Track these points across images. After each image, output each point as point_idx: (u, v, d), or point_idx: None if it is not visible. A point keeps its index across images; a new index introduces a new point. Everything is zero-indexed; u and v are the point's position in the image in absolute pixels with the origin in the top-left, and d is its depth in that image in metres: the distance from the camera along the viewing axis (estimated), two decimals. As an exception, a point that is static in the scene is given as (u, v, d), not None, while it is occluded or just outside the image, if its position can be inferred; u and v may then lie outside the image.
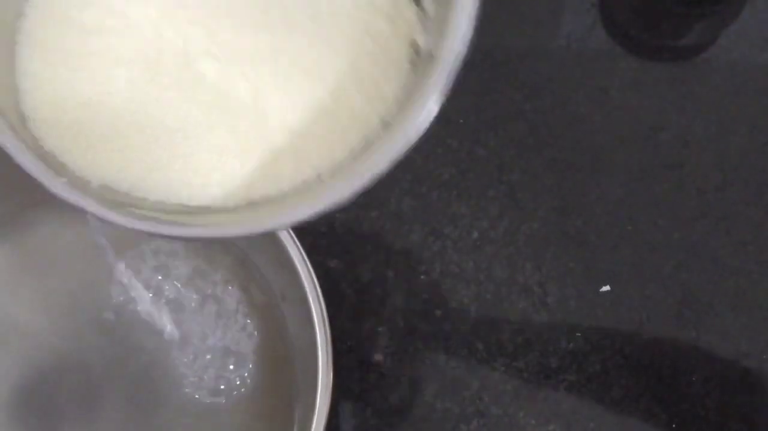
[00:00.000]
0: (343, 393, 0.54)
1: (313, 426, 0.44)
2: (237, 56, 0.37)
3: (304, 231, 0.57)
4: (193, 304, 0.53)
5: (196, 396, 0.51)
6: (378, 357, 0.55)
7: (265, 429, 0.50)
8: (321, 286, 0.47)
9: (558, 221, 0.58)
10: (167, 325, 0.52)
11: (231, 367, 0.51)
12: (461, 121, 0.62)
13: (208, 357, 0.51)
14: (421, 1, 0.37)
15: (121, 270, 0.51)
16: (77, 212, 0.37)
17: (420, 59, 0.37)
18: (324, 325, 0.46)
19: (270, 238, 0.48)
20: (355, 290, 0.56)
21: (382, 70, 0.38)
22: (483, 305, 0.57)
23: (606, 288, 0.57)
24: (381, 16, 0.38)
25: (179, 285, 0.53)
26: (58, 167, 0.37)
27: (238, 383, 0.51)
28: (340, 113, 0.38)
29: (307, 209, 0.37)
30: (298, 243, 0.48)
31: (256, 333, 0.52)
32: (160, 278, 0.54)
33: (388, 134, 0.37)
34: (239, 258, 0.53)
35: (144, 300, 0.52)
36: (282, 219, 0.37)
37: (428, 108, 0.35)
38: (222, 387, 0.51)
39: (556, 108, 0.60)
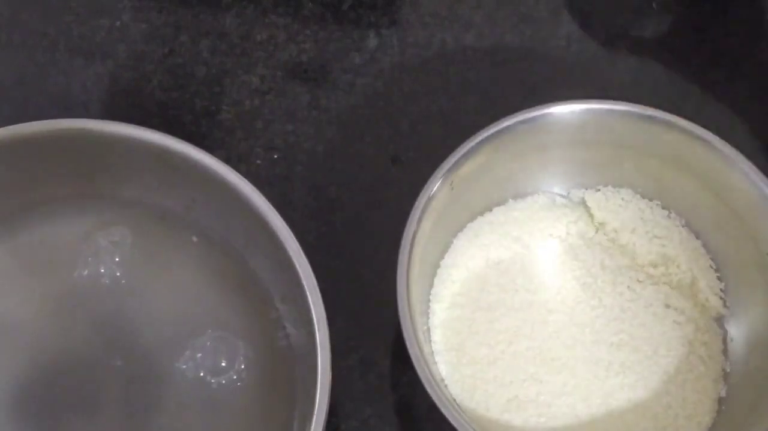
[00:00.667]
0: (343, 393, 0.54)
1: (313, 426, 0.44)
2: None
3: (304, 231, 0.57)
4: (193, 305, 0.53)
5: (196, 396, 0.50)
6: (378, 356, 0.55)
7: (265, 428, 0.50)
8: (321, 286, 0.47)
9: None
10: None
11: (231, 367, 0.51)
12: (461, 121, 0.62)
13: (208, 357, 0.51)
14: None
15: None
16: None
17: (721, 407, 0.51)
18: (324, 325, 0.46)
19: (270, 238, 0.48)
20: (355, 290, 0.56)
21: (699, 399, 0.50)
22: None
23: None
24: (700, 359, 0.51)
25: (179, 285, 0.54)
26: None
27: (237, 383, 0.51)
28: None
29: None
30: (298, 243, 0.48)
31: (255, 333, 0.52)
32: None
33: None
34: (239, 258, 0.53)
35: None
36: None
37: None
38: (221, 387, 0.51)
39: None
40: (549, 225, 0.55)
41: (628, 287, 0.53)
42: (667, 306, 0.52)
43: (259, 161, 0.61)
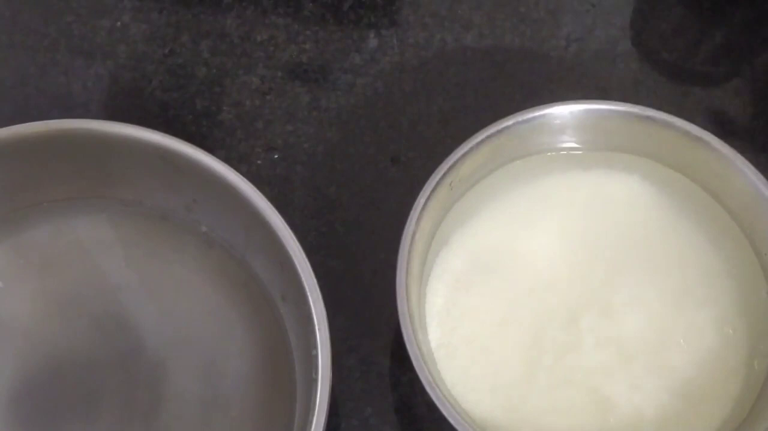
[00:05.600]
0: (343, 393, 0.54)
1: (313, 425, 0.44)
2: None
3: (304, 231, 0.58)
4: (193, 305, 0.53)
5: (196, 397, 0.51)
6: (378, 356, 0.55)
7: (265, 429, 0.50)
8: (321, 286, 0.47)
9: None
10: None
11: (231, 367, 0.51)
12: (461, 121, 0.62)
13: (208, 356, 0.51)
14: None
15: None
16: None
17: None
18: (324, 325, 0.46)
19: (270, 238, 0.49)
20: (355, 290, 0.56)
21: (724, 378, 0.50)
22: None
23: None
24: (716, 357, 0.50)
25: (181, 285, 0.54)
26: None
27: (237, 383, 0.51)
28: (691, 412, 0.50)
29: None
30: (298, 243, 0.48)
31: (256, 333, 0.52)
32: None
33: None
34: (239, 258, 0.53)
35: None
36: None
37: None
38: (222, 387, 0.51)
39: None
40: (551, 223, 0.55)
41: (638, 278, 0.52)
42: (684, 298, 0.52)
43: (259, 161, 0.61)
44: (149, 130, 0.51)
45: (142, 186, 0.54)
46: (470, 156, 0.52)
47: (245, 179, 0.50)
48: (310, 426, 0.44)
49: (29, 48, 0.65)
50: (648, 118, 0.53)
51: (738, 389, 0.50)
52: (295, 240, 0.48)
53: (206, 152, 0.51)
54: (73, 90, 0.64)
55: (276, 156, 0.61)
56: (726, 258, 0.53)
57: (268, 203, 0.49)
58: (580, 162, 0.56)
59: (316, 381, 0.45)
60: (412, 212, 0.50)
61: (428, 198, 0.50)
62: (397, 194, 0.57)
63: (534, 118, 0.53)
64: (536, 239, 0.54)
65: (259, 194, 0.49)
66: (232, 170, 0.50)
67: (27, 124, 0.51)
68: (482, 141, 0.52)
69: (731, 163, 0.51)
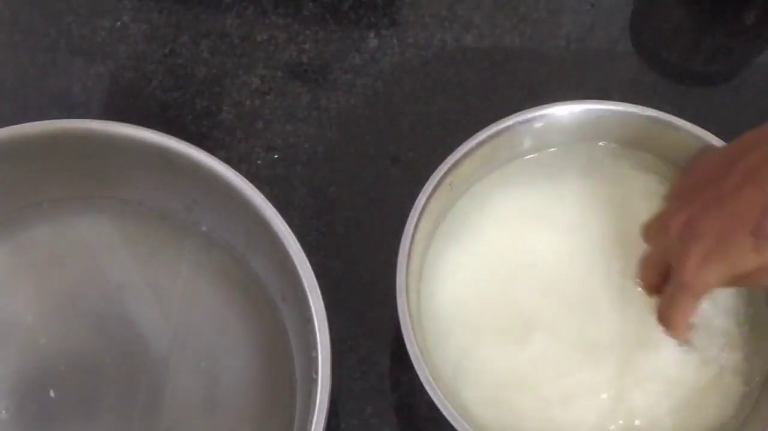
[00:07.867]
0: (343, 393, 0.54)
1: (313, 425, 0.44)
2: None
3: (304, 231, 0.58)
4: (193, 304, 0.53)
5: (196, 396, 0.51)
6: (378, 356, 0.55)
7: (265, 428, 0.50)
8: (321, 286, 0.47)
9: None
10: None
11: (231, 367, 0.51)
12: (461, 121, 0.62)
13: (208, 356, 0.51)
14: None
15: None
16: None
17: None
18: (324, 325, 0.46)
19: (270, 238, 0.49)
20: (355, 291, 0.56)
21: (724, 378, 0.50)
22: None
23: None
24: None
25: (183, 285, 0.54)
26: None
27: (238, 382, 0.51)
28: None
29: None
30: (298, 243, 0.48)
31: (256, 333, 0.52)
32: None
33: None
34: (239, 258, 0.53)
35: None
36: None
37: None
38: (222, 386, 0.51)
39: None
40: (552, 221, 0.55)
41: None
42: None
43: (259, 161, 0.61)
44: (149, 130, 0.51)
45: (142, 186, 0.54)
46: (470, 156, 0.52)
47: (245, 179, 0.50)
48: (310, 426, 0.44)
49: (29, 48, 0.65)
50: (648, 118, 0.53)
51: (738, 389, 0.50)
52: (295, 240, 0.48)
53: (206, 152, 0.51)
54: (73, 90, 0.64)
55: (276, 156, 0.61)
56: None
57: (268, 203, 0.49)
58: (579, 162, 0.56)
59: (316, 381, 0.45)
60: (412, 212, 0.50)
61: (428, 198, 0.50)
62: (397, 194, 0.57)
63: (534, 118, 0.53)
64: (538, 238, 0.54)
65: (260, 194, 0.49)
66: (232, 170, 0.50)
67: (27, 124, 0.51)
68: (482, 141, 0.52)
69: None
